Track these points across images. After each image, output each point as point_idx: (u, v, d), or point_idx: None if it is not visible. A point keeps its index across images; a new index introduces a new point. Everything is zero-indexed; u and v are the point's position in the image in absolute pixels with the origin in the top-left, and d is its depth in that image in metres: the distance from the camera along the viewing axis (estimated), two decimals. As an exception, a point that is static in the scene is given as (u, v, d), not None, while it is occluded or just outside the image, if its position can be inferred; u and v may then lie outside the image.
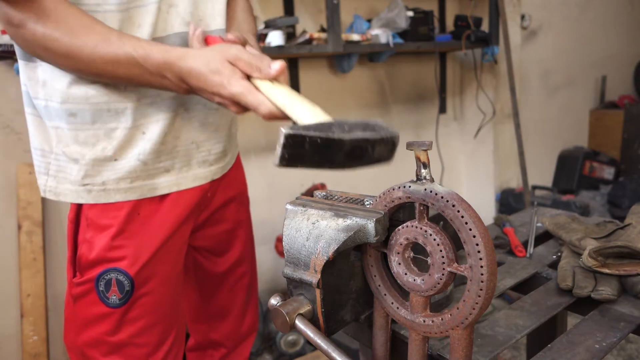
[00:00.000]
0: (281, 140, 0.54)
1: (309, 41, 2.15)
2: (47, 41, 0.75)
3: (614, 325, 0.77)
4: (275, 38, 2.05)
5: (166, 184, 0.93)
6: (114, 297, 0.89)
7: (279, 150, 0.54)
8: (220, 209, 1.07)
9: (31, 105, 0.90)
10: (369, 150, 0.57)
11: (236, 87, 0.74)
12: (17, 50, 0.87)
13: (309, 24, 2.43)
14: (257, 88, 0.75)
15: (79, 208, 0.91)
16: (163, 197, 0.93)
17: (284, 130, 0.54)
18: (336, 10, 2.12)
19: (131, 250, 0.90)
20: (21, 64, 0.88)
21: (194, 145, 0.96)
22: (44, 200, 1.90)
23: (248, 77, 0.77)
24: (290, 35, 2.21)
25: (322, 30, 2.33)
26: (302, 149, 0.54)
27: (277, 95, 0.73)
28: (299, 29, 2.33)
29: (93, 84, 0.84)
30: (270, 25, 2.08)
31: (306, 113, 0.69)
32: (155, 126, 0.89)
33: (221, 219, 1.08)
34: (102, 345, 0.92)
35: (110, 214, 0.89)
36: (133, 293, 0.90)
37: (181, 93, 0.81)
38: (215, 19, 0.94)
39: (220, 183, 1.05)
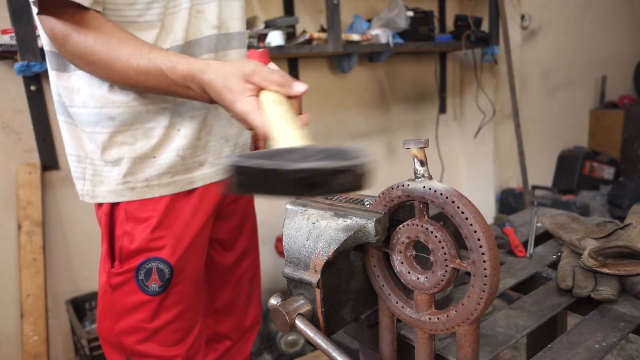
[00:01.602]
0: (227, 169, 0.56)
1: (309, 41, 2.15)
2: (87, 55, 0.81)
3: (614, 325, 0.77)
4: (275, 38, 2.05)
5: (201, 177, 0.99)
6: (153, 285, 0.94)
7: (229, 178, 0.56)
8: (232, 202, 1.11)
9: (65, 113, 0.94)
10: (326, 180, 0.54)
11: (243, 105, 0.75)
12: (49, 61, 0.91)
13: (309, 24, 2.43)
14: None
15: (114, 203, 0.95)
16: (192, 191, 0.98)
17: (227, 160, 0.56)
18: (336, 10, 2.12)
19: (170, 240, 0.95)
20: (53, 74, 0.92)
21: (223, 139, 1.01)
22: (44, 200, 1.90)
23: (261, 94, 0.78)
24: (290, 35, 2.21)
25: (322, 30, 2.33)
26: (248, 178, 0.56)
27: (271, 114, 0.73)
28: (299, 29, 2.33)
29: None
30: (270, 25, 2.08)
31: (287, 137, 0.69)
32: (189, 123, 0.95)
33: (232, 213, 1.12)
34: (140, 332, 0.96)
35: (150, 207, 0.94)
36: (171, 281, 0.96)
37: (206, 102, 0.84)
38: (234, 22, 0.99)
39: None
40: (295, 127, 0.71)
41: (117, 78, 0.83)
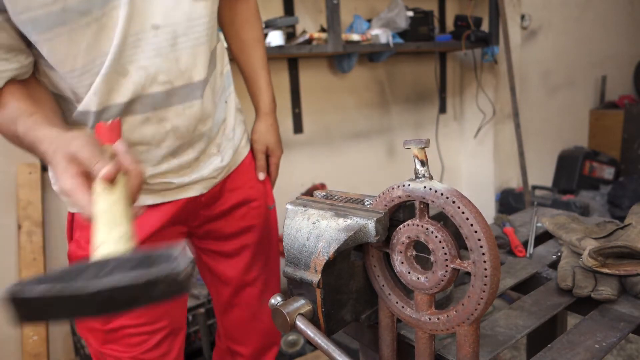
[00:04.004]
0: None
1: (309, 41, 2.15)
2: None
3: (614, 325, 0.77)
4: (275, 38, 2.05)
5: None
6: None
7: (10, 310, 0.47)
8: (219, 219, 1.12)
9: None
10: (136, 294, 0.47)
11: (65, 183, 0.69)
12: None
13: (309, 24, 2.43)
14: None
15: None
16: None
17: (7, 290, 0.46)
18: (336, 10, 2.12)
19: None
20: None
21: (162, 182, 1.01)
22: (44, 200, 1.90)
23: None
24: (290, 35, 2.21)
25: (322, 30, 2.33)
26: (36, 307, 0.46)
27: (97, 208, 0.65)
28: (299, 29, 2.33)
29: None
30: (270, 25, 2.08)
31: (104, 241, 0.62)
32: None
33: (227, 231, 1.15)
34: (98, 333, 0.99)
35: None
36: None
37: None
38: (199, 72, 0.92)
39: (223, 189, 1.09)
40: (119, 225, 0.63)
41: (9, 141, 0.89)
